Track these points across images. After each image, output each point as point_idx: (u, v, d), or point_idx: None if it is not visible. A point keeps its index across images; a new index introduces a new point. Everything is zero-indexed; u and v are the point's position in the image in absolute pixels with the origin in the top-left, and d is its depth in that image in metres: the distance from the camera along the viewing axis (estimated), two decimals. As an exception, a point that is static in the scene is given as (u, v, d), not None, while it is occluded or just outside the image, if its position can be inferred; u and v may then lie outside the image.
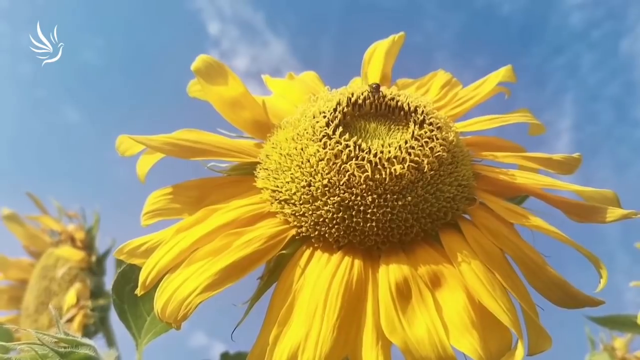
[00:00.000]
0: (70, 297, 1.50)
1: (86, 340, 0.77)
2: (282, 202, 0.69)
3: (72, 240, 1.64)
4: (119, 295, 0.81)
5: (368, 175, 0.65)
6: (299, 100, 0.82)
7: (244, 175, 0.77)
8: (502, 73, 0.86)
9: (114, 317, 1.59)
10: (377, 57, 0.91)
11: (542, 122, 0.85)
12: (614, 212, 0.66)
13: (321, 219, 0.66)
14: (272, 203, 0.70)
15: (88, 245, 1.64)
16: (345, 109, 0.74)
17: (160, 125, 0.79)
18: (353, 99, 0.75)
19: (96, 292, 1.59)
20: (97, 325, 1.57)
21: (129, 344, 0.86)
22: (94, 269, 1.61)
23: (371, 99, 0.77)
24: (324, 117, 0.71)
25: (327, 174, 0.66)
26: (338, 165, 0.66)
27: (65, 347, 0.74)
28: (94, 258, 1.62)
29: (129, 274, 0.79)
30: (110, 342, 1.57)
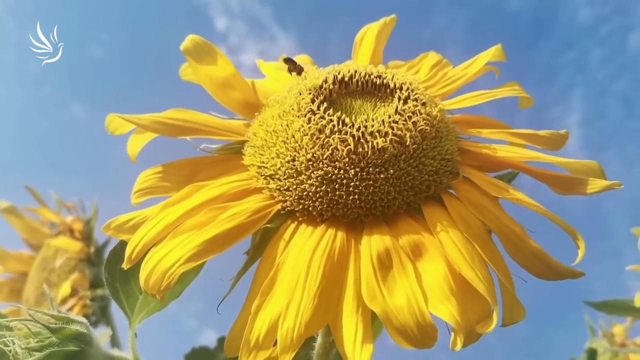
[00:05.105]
0: (65, 288, 1.51)
1: (78, 318, 0.78)
2: (268, 178, 0.70)
3: (70, 231, 1.65)
4: (111, 274, 0.82)
5: (351, 149, 0.65)
6: (290, 82, 0.83)
7: (233, 154, 0.78)
8: (491, 52, 0.86)
9: (115, 309, 1.60)
10: (368, 39, 0.92)
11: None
12: (597, 184, 0.66)
13: (305, 193, 0.66)
14: (258, 179, 0.71)
15: (87, 236, 1.65)
16: (332, 87, 0.74)
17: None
18: (339, 77, 0.76)
19: (95, 283, 1.60)
20: (97, 316, 1.58)
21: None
22: (92, 259, 1.63)
23: (291, 68, 0.80)
24: (310, 93, 0.72)
25: (311, 148, 0.67)
26: (322, 139, 0.67)
27: (56, 324, 0.74)
28: (92, 249, 1.63)
29: (120, 253, 0.79)
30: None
